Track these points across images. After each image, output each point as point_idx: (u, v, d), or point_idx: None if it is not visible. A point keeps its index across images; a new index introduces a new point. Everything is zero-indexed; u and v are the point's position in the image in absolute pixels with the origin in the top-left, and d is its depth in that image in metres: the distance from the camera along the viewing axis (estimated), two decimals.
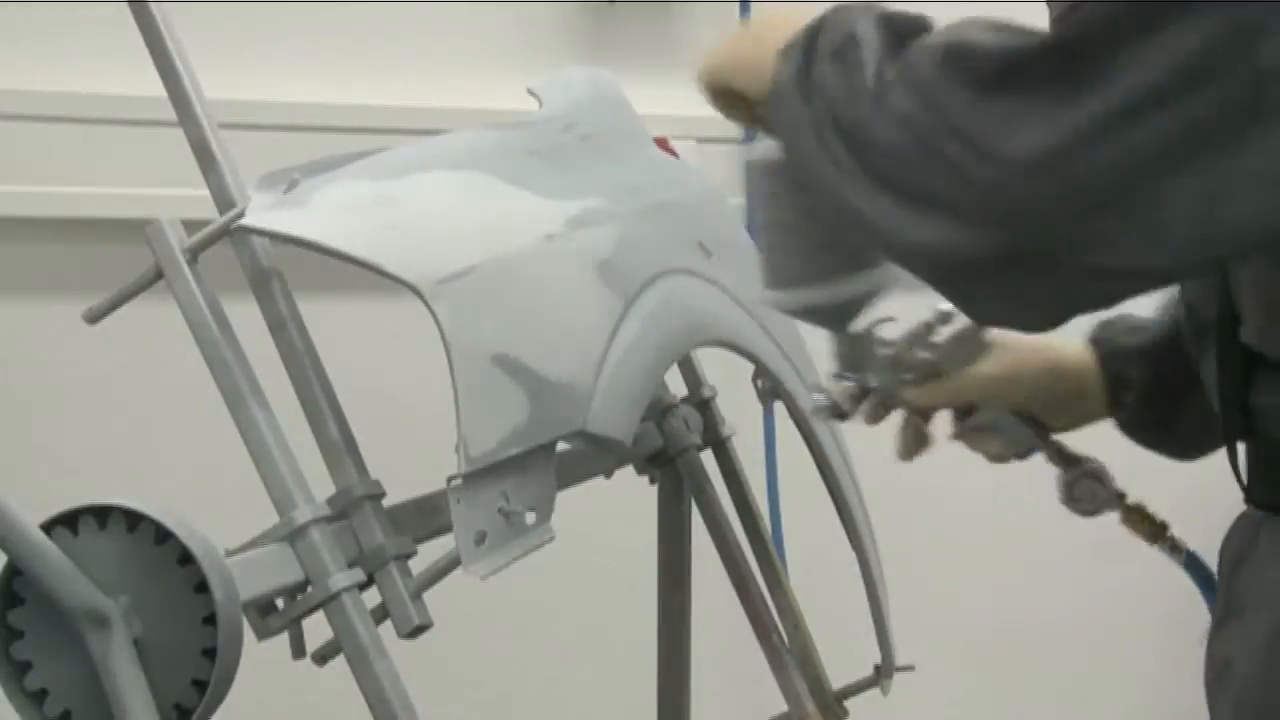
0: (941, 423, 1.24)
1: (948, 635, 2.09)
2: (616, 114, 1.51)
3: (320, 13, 1.93)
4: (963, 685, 2.21)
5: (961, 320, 1.13)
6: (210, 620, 1.00)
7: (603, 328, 1.20)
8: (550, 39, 2.04)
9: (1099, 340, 1.23)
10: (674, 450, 1.49)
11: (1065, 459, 1.22)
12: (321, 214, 1.12)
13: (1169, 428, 1.22)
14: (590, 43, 2.05)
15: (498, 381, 1.09)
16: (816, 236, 1.05)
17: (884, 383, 1.15)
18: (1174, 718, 2.35)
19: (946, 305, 1.11)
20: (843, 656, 1.57)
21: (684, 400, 1.53)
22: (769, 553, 1.54)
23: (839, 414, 1.19)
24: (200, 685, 1.00)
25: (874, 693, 1.56)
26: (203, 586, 1.00)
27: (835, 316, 1.10)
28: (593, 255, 1.22)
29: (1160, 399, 1.20)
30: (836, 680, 1.55)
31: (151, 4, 1.17)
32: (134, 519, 1.00)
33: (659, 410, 1.48)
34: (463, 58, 2.00)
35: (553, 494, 1.15)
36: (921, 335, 1.14)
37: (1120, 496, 1.22)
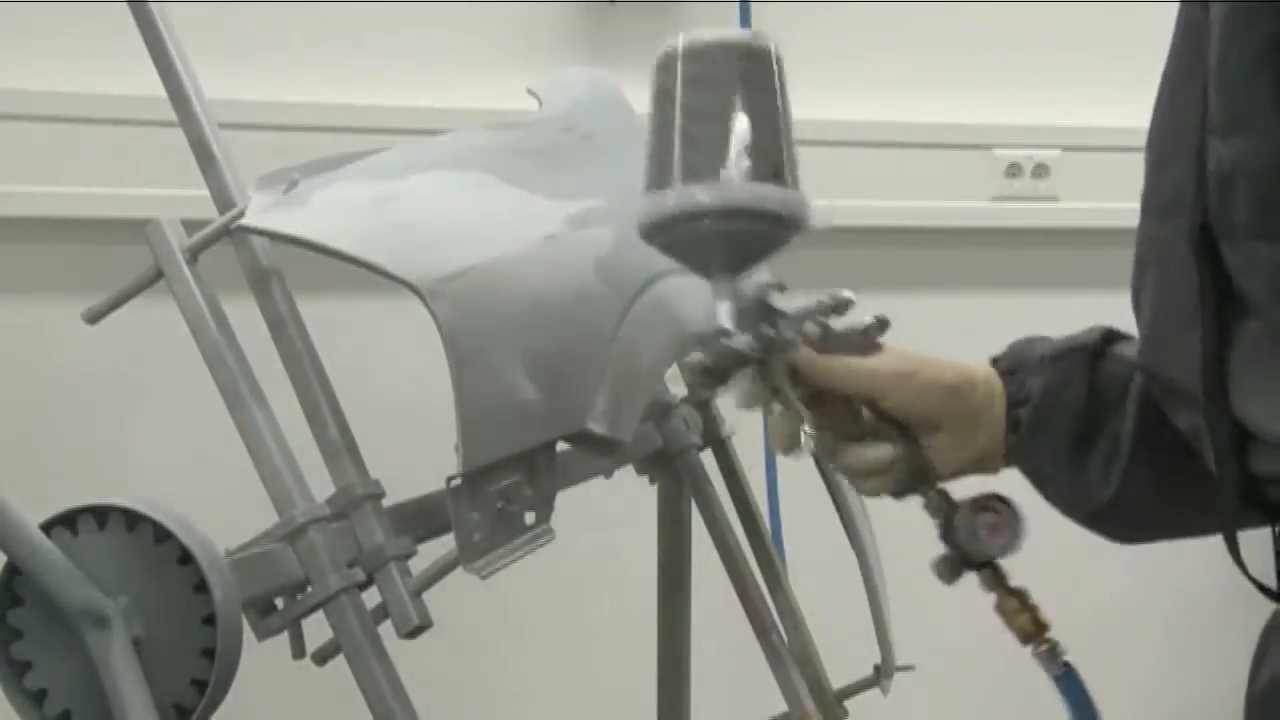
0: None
1: (948, 635, 2.09)
2: (616, 114, 1.51)
3: (320, 13, 1.93)
4: (963, 685, 2.21)
5: (858, 314, 1.02)
6: (210, 620, 1.00)
7: (603, 328, 1.20)
8: (550, 39, 2.04)
9: (1003, 356, 1.07)
10: (674, 450, 1.49)
11: (948, 503, 1.03)
12: (321, 214, 1.12)
13: (1073, 464, 1.04)
14: (590, 43, 2.05)
15: (497, 381, 1.09)
16: (762, 140, 0.93)
17: (764, 348, 0.97)
18: (1174, 717, 2.36)
19: (848, 293, 1.01)
20: (843, 656, 1.57)
21: (684, 400, 1.53)
22: (769, 553, 1.54)
23: (716, 377, 0.97)
24: (200, 685, 1.01)
25: (874, 693, 1.56)
26: (202, 586, 1.00)
27: (738, 242, 0.94)
28: (593, 255, 1.22)
29: (1060, 420, 1.04)
30: (836, 680, 1.55)
31: (151, 4, 1.17)
32: (133, 519, 1.01)
33: (659, 410, 1.48)
34: (463, 58, 2.00)
35: (553, 494, 1.15)
36: (814, 313, 1.00)
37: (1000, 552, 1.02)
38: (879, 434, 1.03)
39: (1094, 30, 2.24)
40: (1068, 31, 2.24)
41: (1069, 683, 1.03)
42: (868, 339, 1.02)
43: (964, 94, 2.20)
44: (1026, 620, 1.03)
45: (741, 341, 0.96)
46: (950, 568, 1.05)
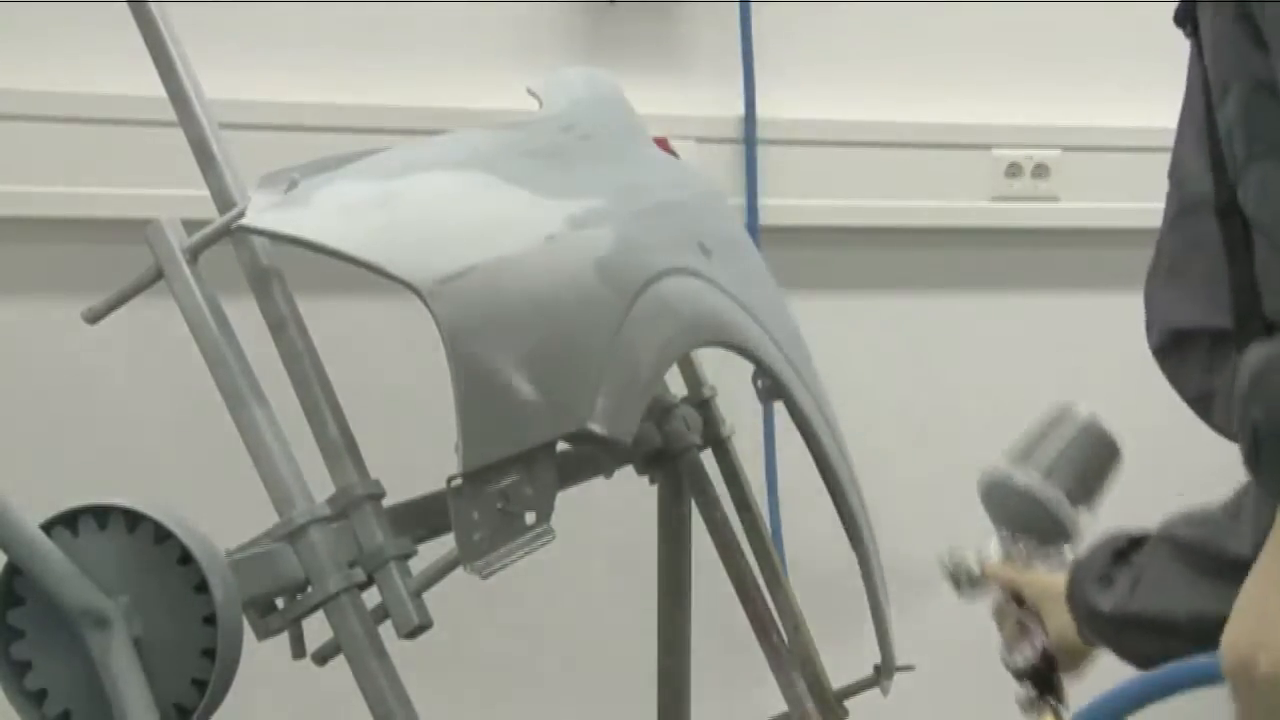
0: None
1: (948, 635, 2.09)
2: (616, 114, 1.51)
3: (321, 13, 1.93)
4: (963, 685, 2.20)
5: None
6: (210, 620, 1.00)
7: (603, 328, 1.20)
8: (550, 39, 2.04)
9: (1070, 589, 1.30)
10: (674, 450, 1.49)
11: (1043, 688, 1.37)
12: (321, 214, 1.12)
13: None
14: (590, 43, 2.05)
15: (497, 381, 1.09)
16: (1087, 493, 1.41)
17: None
18: (1173, 717, 2.35)
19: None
20: (843, 656, 1.57)
21: (684, 400, 1.53)
22: (769, 553, 1.54)
23: (956, 583, 1.46)
24: (200, 685, 1.01)
25: (874, 693, 1.56)
26: (203, 586, 1.00)
27: (1033, 525, 1.42)
28: (593, 255, 1.22)
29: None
30: (836, 680, 1.55)
31: (151, 4, 1.17)
32: (134, 519, 1.01)
33: (659, 410, 1.47)
34: (463, 58, 2.00)
35: (553, 494, 1.15)
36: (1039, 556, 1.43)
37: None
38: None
39: (1094, 30, 2.24)
40: (1068, 31, 2.24)
41: None
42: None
43: (964, 94, 2.20)
44: None
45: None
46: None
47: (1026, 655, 1.36)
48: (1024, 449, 1.42)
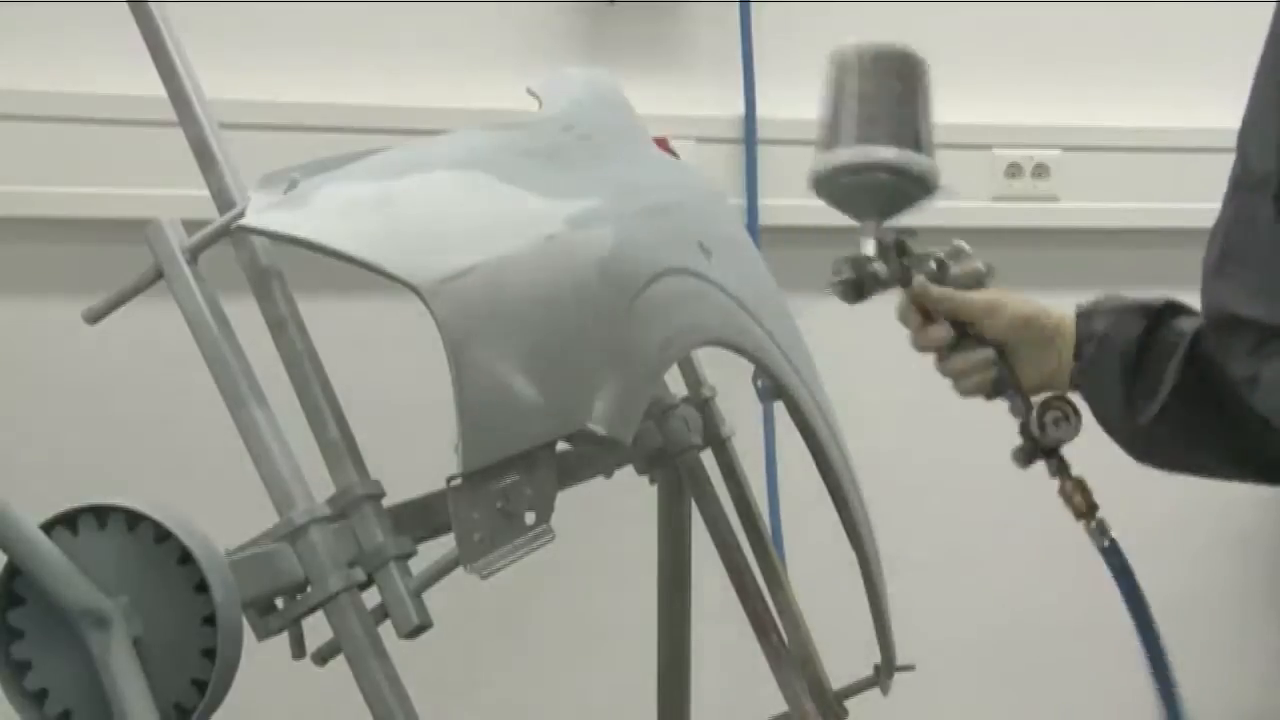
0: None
1: (948, 635, 2.09)
2: (616, 114, 1.51)
3: (321, 13, 1.93)
4: (963, 685, 2.21)
5: (973, 259, 1.36)
6: (210, 620, 1.00)
7: (603, 328, 1.20)
8: (550, 39, 2.04)
9: (1086, 304, 1.34)
10: (674, 450, 1.49)
11: (1027, 404, 1.33)
12: (321, 214, 1.12)
13: (1124, 391, 1.28)
14: (590, 43, 2.05)
15: (497, 381, 1.09)
16: (910, 121, 1.27)
17: (894, 276, 1.33)
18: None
19: (964, 244, 1.37)
20: (843, 656, 1.57)
21: (684, 400, 1.53)
22: (769, 553, 1.54)
23: (857, 292, 1.31)
24: (200, 685, 1.01)
25: (874, 693, 1.56)
26: (203, 586, 1.00)
27: (892, 193, 1.29)
28: (593, 255, 1.22)
29: (1117, 355, 1.28)
30: (836, 680, 1.55)
31: (151, 4, 1.17)
32: (134, 519, 1.01)
33: (659, 410, 1.47)
34: (463, 58, 2.00)
35: (553, 494, 1.15)
36: (936, 255, 1.36)
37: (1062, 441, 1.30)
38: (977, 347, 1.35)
39: (1094, 30, 2.24)
40: (1068, 31, 2.24)
41: (1113, 555, 1.29)
42: (975, 280, 1.36)
43: (964, 94, 2.20)
44: (1081, 501, 1.30)
45: (879, 267, 1.31)
46: (1025, 456, 1.33)
47: (1060, 437, 1.30)
48: (824, 133, 1.30)
